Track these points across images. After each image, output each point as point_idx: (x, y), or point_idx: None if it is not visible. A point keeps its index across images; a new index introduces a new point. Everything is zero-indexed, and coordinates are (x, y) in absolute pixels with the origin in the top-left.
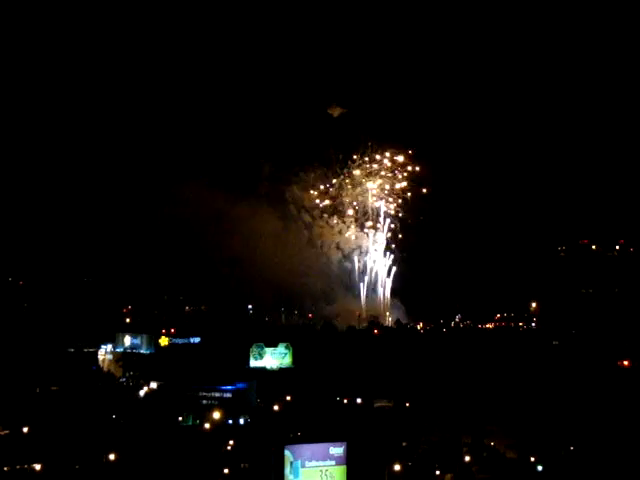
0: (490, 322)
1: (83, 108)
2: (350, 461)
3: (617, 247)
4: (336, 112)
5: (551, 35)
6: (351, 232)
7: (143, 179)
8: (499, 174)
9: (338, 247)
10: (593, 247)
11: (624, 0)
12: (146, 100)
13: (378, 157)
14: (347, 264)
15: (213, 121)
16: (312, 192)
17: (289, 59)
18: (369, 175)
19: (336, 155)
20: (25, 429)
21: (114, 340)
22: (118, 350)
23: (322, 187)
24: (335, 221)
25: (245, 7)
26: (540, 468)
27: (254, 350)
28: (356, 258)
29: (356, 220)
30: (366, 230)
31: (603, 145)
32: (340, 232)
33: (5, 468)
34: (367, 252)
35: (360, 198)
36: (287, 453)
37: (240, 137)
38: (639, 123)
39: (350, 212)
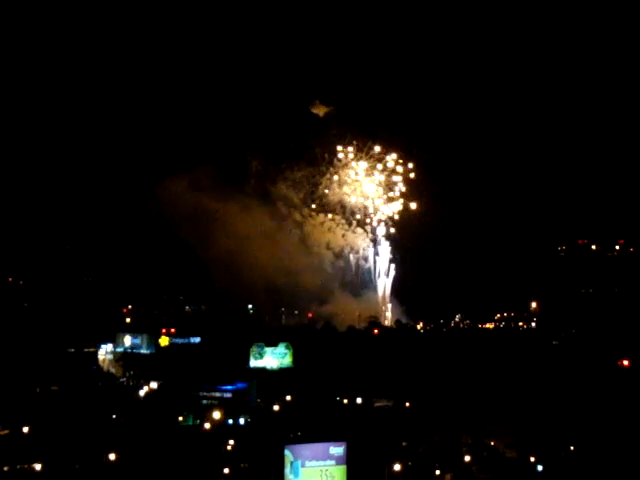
0: (490, 322)
1: (84, 109)
2: (350, 461)
3: (617, 247)
4: (321, 111)
5: (549, 32)
6: (341, 231)
7: (141, 179)
8: (499, 173)
9: (328, 247)
10: (593, 247)
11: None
12: (138, 101)
13: (363, 159)
14: (341, 263)
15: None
16: (300, 191)
17: (275, 55)
18: (356, 174)
19: (322, 154)
20: (25, 429)
21: (114, 340)
22: (118, 350)
23: (309, 186)
24: (324, 220)
25: (232, 6)
26: (540, 468)
27: (254, 350)
28: (351, 257)
29: (346, 219)
30: (357, 229)
31: (603, 145)
32: (329, 230)
33: (5, 468)
34: (358, 250)
35: (347, 198)
36: (287, 453)
37: (228, 134)
38: (639, 123)
39: (339, 210)
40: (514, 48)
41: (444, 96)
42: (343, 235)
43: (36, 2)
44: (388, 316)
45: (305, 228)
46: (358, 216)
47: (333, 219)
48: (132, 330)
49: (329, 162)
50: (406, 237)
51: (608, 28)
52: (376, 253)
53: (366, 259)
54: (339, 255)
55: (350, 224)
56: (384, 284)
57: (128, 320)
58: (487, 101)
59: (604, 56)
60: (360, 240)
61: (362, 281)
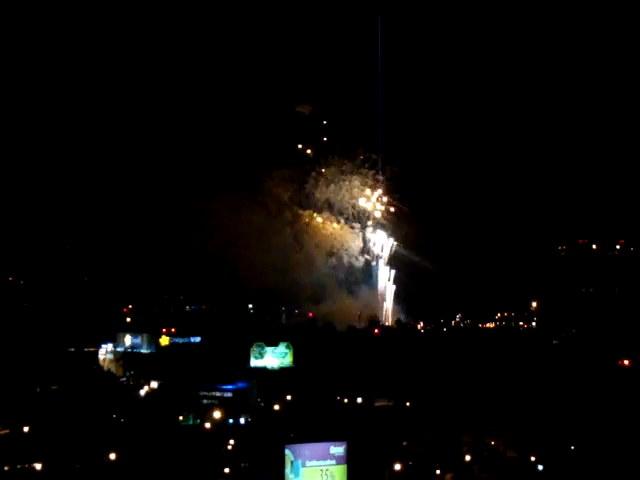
0: (490, 321)
1: (79, 108)
2: (351, 460)
3: (617, 247)
4: (307, 110)
5: (548, 30)
6: (330, 229)
7: (141, 180)
8: (499, 173)
9: (319, 245)
10: (593, 247)
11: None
12: (138, 100)
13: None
14: (334, 261)
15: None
16: (288, 189)
17: (264, 55)
18: (343, 173)
19: (307, 153)
20: (25, 428)
21: (115, 339)
22: (119, 349)
23: (296, 185)
24: (313, 218)
25: (229, 8)
26: (540, 467)
27: (255, 349)
28: (343, 255)
29: (335, 218)
30: (345, 227)
31: (603, 144)
32: (319, 228)
33: (5, 468)
34: (348, 248)
35: (335, 197)
36: (287, 452)
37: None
38: (639, 123)
39: (326, 209)
40: (514, 45)
41: (443, 92)
42: (331, 233)
43: (37, 5)
44: (388, 310)
45: (296, 226)
46: (346, 215)
47: (321, 217)
48: (132, 330)
49: (315, 161)
50: (403, 236)
51: (607, 28)
52: (367, 252)
53: (357, 257)
54: (331, 254)
55: (339, 222)
56: (382, 283)
57: (128, 320)
58: (488, 100)
59: (603, 56)
60: (351, 238)
61: (357, 279)
